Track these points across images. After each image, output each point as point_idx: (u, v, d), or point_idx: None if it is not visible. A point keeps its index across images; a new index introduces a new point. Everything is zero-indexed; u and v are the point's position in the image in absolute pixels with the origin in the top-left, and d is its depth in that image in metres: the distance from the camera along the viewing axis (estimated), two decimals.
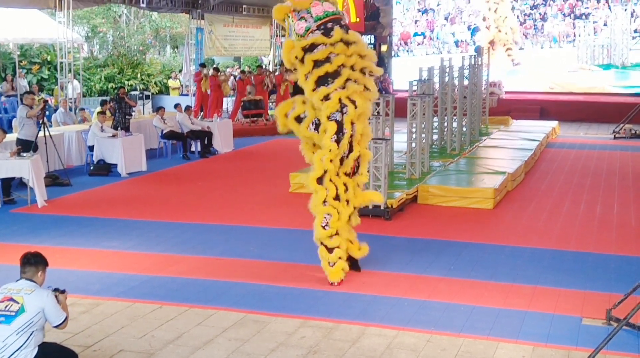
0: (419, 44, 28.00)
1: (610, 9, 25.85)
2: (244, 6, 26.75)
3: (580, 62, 26.42)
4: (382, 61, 30.50)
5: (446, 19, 27.78)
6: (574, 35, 26.43)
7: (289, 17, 7.99)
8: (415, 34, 28.19)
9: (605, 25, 25.97)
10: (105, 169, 14.95)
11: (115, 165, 14.96)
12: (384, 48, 31.18)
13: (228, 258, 9.15)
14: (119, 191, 13.59)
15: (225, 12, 25.91)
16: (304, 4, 7.93)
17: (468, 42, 26.83)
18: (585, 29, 26.23)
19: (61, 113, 17.42)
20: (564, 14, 26.46)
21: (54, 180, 13.71)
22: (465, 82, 17.33)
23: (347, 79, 7.94)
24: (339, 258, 8.10)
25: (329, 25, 7.88)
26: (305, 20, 7.85)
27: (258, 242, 9.90)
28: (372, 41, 30.75)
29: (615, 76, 26.04)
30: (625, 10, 25.67)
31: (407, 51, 28.20)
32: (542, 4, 26.72)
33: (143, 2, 21.85)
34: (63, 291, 5.50)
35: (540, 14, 26.68)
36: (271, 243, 9.88)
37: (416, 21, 28.24)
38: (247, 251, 9.46)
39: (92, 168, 15.09)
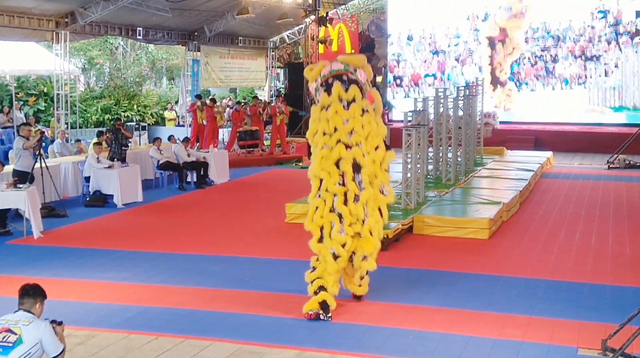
0: (429, 85, 28.07)
1: (621, 50, 25.90)
2: (240, 38, 26.99)
3: (592, 104, 26.30)
4: (378, 92, 30.71)
5: (457, 60, 27.95)
6: (585, 77, 26.40)
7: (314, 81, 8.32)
8: (427, 75, 28.35)
9: (616, 66, 25.96)
10: (101, 200, 14.97)
11: (112, 196, 14.99)
12: (379, 79, 31.41)
13: (224, 289, 9.15)
14: (115, 222, 13.60)
15: (221, 44, 26.14)
16: (318, 70, 8.27)
17: (479, 82, 27.02)
18: (596, 71, 26.17)
19: (58, 144, 17.47)
20: (574, 56, 26.51)
21: (50, 211, 13.70)
22: (460, 113, 17.44)
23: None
24: (320, 288, 8.06)
25: (330, 81, 8.10)
26: (316, 82, 8.19)
27: (254, 273, 9.91)
28: None
29: (626, 117, 25.84)
30: (636, 52, 25.59)
31: (419, 92, 28.22)
32: (553, 45, 26.78)
33: (140, 35, 22.05)
34: (60, 323, 5.50)
35: (551, 55, 26.78)
36: (267, 274, 9.89)
37: (425, 61, 28.40)
38: (243, 281, 9.45)
39: (88, 199, 15.10)
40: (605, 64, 26.12)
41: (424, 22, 28.30)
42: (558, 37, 26.79)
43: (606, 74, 26.11)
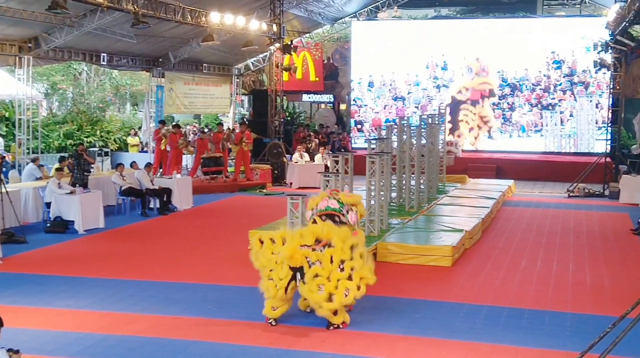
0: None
1: (575, 99, 26.73)
2: (205, 65, 27.02)
3: (548, 151, 27.01)
4: (342, 119, 30.95)
5: (417, 106, 28.32)
6: (542, 125, 27.17)
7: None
8: (387, 121, 28.69)
9: (571, 115, 26.81)
10: (62, 226, 14.77)
11: (73, 222, 14.80)
12: (343, 107, 31.65)
13: (185, 317, 9.06)
14: (76, 249, 13.42)
15: (185, 70, 26.14)
16: (314, 202, 9.43)
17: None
18: (552, 119, 26.99)
19: (34, 169, 17.22)
20: (531, 104, 27.25)
21: (10, 237, 13.47)
22: (423, 141, 17.61)
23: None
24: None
25: (323, 218, 9.06)
26: (312, 212, 9.16)
27: (217, 300, 9.83)
28: (332, 100, 31.21)
29: None
30: (590, 101, 26.51)
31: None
32: (510, 94, 27.43)
33: (104, 60, 21.95)
34: (17, 352, 5.39)
35: (508, 103, 27.43)
36: (230, 301, 9.82)
37: (385, 106, 28.71)
38: (205, 309, 9.37)
39: (48, 225, 14.90)
40: (560, 112, 26.97)
41: (384, 68, 28.73)
42: (515, 86, 27.49)
43: (562, 122, 26.95)
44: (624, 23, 18.78)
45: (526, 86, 27.35)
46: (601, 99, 26.25)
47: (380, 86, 28.84)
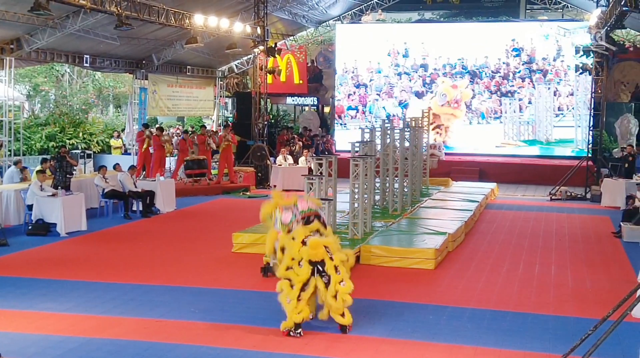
0: (352, 118, 28.78)
1: (534, 87, 27.15)
2: (188, 67, 26.96)
3: (507, 137, 27.53)
4: (326, 122, 30.97)
5: (378, 93, 28.51)
6: (501, 112, 27.54)
7: (275, 211, 9.17)
8: (349, 108, 28.88)
9: (530, 103, 27.22)
10: (44, 229, 14.66)
11: (55, 225, 14.70)
12: (326, 109, 31.67)
13: (168, 320, 9.02)
14: (58, 251, 13.33)
15: (169, 72, 26.07)
16: (290, 201, 9.20)
17: (399, 116, 27.63)
18: (511, 106, 27.43)
19: (15, 172, 17.10)
20: (490, 91, 27.60)
21: None
22: (407, 144, 17.65)
23: None
24: None
25: (311, 218, 9.03)
26: (292, 212, 9.03)
27: (199, 303, 9.79)
28: (316, 103, 31.22)
29: (539, 151, 27.15)
30: (549, 89, 26.97)
31: (341, 124, 28.95)
32: (470, 82, 27.77)
33: (86, 62, 21.83)
34: None
35: (460, 91, 27.75)
36: (213, 304, 9.78)
37: (349, 95, 28.88)
38: (188, 312, 9.34)
39: (30, 227, 14.78)
40: (519, 99, 27.34)
41: (348, 56, 29.03)
42: (475, 73, 27.79)
43: (520, 109, 27.34)
44: (606, 27, 18.93)
45: (486, 73, 27.69)
46: (559, 87, 26.71)
47: (342, 73, 29.07)
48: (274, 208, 9.19)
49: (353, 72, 28.99)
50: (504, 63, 27.47)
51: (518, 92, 27.30)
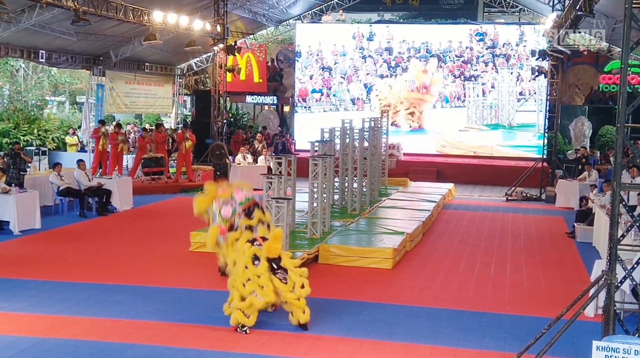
0: (317, 101, 28.87)
1: (497, 71, 27.61)
2: (147, 64, 26.68)
3: (470, 121, 27.96)
4: (285, 121, 30.93)
5: (343, 77, 28.64)
6: (464, 96, 27.93)
7: (212, 206, 9.13)
8: (314, 91, 28.94)
9: (493, 87, 27.68)
10: None
11: (8, 222, 14.43)
12: (286, 109, 31.63)
13: (124, 320, 8.91)
14: (11, 250, 13.08)
15: (127, 69, 25.76)
16: (227, 194, 9.09)
17: (364, 99, 27.85)
18: (474, 90, 27.87)
19: None
20: (454, 76, 27.98)
21: None
22: (366, 144, 17.71)
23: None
24: None
25: (251, 208, 9.06)
26: (231, 206, 8.96)
27: (156, 302, 9.70)
28: (275, 102, 31.16)
29: (502, 135, 27.62)
30: (511, 73, 27.48)
31: (305, 108, 28.97)
32: (437, 67, 28.09)
33: (42, 57, 21.45)
34: None
35: (432, 74, 27.99)
36: (170, 304, 9.69)
37: (312, 76, 28.96)
38: (144, 312, 9.24)
39: None
40: (482, 84, 27.76)
41: (312, 39, 29.15)
42: (439, 57, 28.11)
43: (484, 93, 27.76)
44: (561, 31, 19.21)
45: (449, 58, 28.01)
46: (521, 72, 27.18)
47: (307, 56, 29.13)
48: (209, 202, 9.15)
49: (318, 55, 29.00)
50: (467, 47, 27.81)
51: (481, 77, 27.68)
